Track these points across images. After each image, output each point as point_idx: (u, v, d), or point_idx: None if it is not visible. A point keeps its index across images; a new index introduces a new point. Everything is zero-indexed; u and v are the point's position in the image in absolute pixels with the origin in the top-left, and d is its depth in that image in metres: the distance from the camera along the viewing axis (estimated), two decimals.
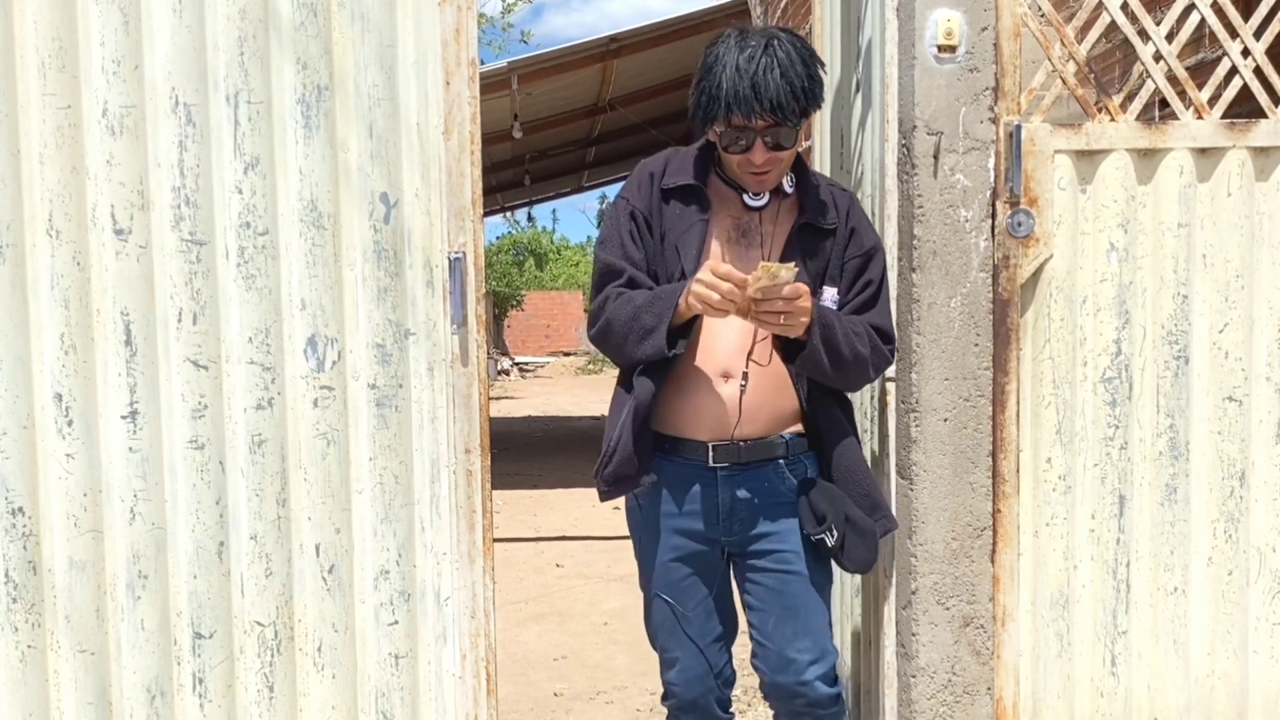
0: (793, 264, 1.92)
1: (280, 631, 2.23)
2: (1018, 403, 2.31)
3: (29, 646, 2.18)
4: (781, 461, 2.11)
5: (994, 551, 2.32)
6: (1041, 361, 2.32)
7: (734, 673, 2.23)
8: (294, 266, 2.18)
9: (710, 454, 2.09)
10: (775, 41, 1.97)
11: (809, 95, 1.98)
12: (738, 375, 2.07)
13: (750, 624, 2.17)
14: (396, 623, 2.25)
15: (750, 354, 2.06)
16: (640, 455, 2.07)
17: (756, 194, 2.09)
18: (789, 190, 2.12)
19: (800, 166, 2.14)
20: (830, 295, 2.12)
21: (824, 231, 2.11)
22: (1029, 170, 2.27)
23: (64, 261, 2.14)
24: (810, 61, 1.99)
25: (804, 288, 1.95)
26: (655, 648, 2.23)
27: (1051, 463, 2.34)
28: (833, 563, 2.14)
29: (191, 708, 2.22)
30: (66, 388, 2.15)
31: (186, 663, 2.21)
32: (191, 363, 2.17)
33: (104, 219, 2.14)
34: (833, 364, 2.02)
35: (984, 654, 2.36)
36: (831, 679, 2.12)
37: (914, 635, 2.32)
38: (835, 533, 2.05)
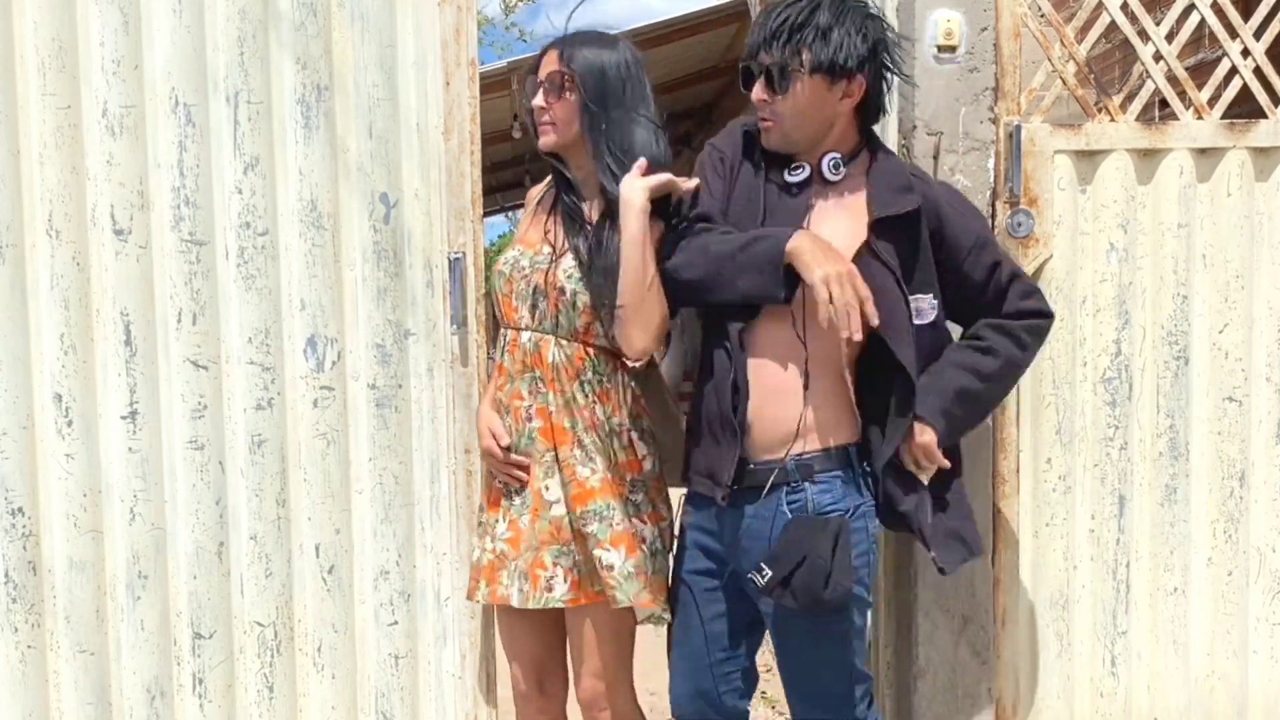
0: None
1: (280, 632, 2.23)
2: (1018, 403, 2.30)
3: (29, 646, 2.18)
4: (785, 489, 1.91)
5: (994, 551, 2.32)
6: (1041, 362, 2.32)
7: (739, 708, 2.05)
8: (294, 266, 2.18)
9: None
10: None
11: (821, 39, 1.84)
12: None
13: None
14: (396, 623, 2.25)
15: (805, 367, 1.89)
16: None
17: (793, 169, 1.94)
18: (832, 177, 1.93)
19: (871, 153, 1.96)
20: (929, 304, 1.93)
21: (906, 219, 1.89)
22: (1029, 170, 2.27)
23: (64, 262, 2.13)
24: (845, 14, 1.87)
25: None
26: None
27: (1051, 463, 2.34)
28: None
29: (191, 708, 2.22)
30: (66, 388, 2.15)
31: (186, 663, 2.21)
32: (191, 363, 2.17)
33: (104, 219, 2.13)
34: (979, 417, 2.04)
35: (984, 654, 2.35)
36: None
37: (914, 635, 2.32)
38: (765, 572, 1.84)
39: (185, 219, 2.15)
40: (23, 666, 2.18)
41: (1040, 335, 2.02)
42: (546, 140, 2.02)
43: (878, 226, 1.89)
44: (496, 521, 2.05)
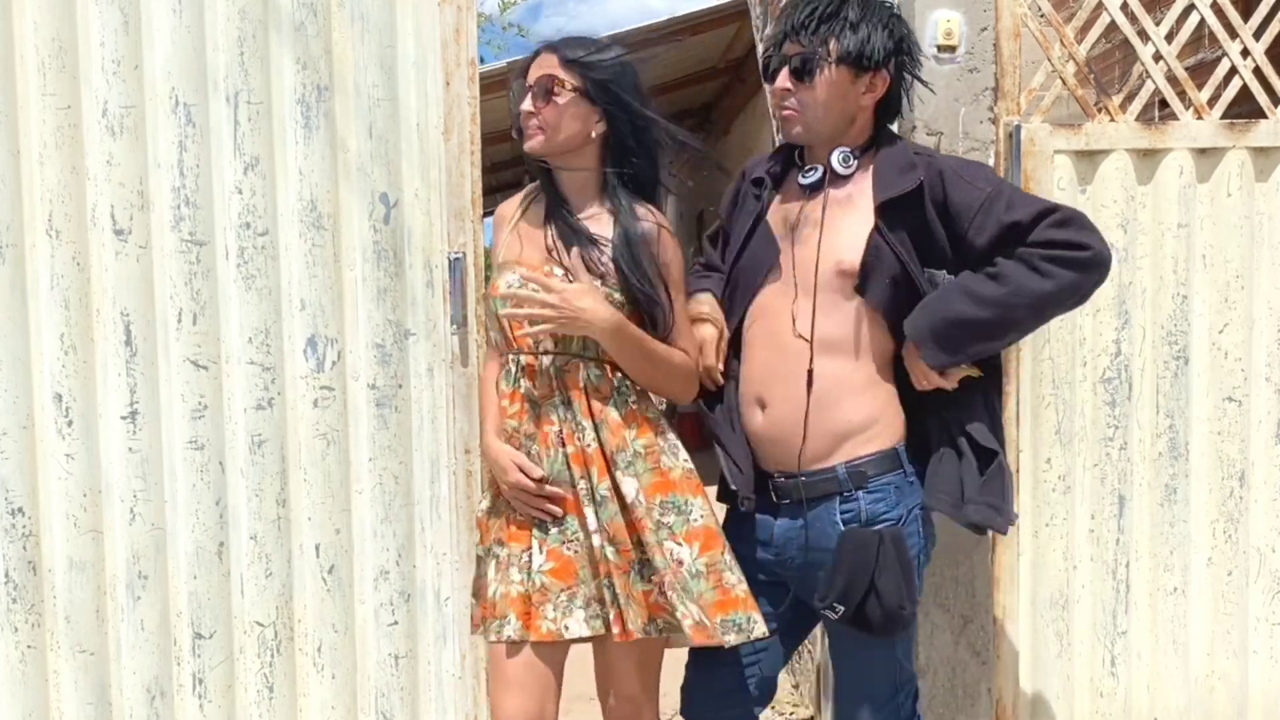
0: None
1: (280, 632, 2.23)
2: (1018, 403, 2.30)
3: (29, 646, 2.18)
4: (838, 498, 1.86)
5: (994, 552, 2.32)
6: (1041, 362, 2.32)
7: (747, 715, 2.02)
8: (294, 267, 2.18)
9: (771, 489, 1.92)
10: None
11: (849, 31, 1.85)
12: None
13: None
14: (396, 623, 2.25)
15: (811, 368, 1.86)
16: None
17: (806, 171, 1.94)
18: (842, 170, 1.91)
19: (880, 145, 1.94)
20: (941, 278, 1.88)
21: (910, 199, 1.86)
22: (1029, 170, 2.27)
23: (64, 262, 2.13)
24: (872, 10, 1.87)
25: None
26: None
27: (1051, 463, 2.34)
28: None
29: (191, 708, 2.22)
30: (66, 388, 2.15)
31: (186, 663, 2.21)
32: (191, 363, 2.17)
33: (104, 219, 2.13)
34: (986, 341, 1.82)
35: (984, 654, 2.36)
36: None
37: (914, 636, 2.32)
38: (839, 609, 1.81)
39: (185, 219, 2.15)
40: (23, 666, 2.18)
41: (1069, 265, 1.78)
42: (534, 144, 1.88)
43: (883, 210, 1.88)
44: (524, 553, 1.85)
